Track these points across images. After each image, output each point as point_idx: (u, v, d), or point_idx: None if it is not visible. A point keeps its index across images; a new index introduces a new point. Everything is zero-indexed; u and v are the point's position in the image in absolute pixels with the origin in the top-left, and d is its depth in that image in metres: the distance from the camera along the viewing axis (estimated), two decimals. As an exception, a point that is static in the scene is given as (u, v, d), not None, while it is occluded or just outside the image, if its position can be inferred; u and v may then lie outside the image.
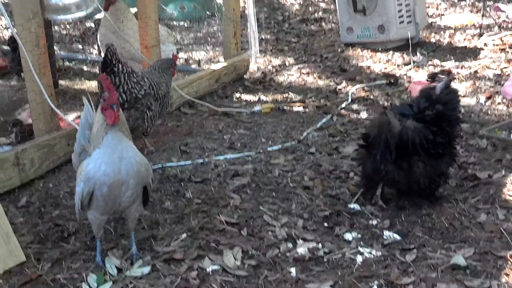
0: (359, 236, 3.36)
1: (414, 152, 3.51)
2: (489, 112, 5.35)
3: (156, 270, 2.98)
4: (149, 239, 3.25)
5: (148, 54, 5.20)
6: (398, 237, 3.33)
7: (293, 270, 3.01)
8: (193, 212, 3.54)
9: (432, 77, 3.85)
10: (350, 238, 3.34)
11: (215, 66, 6.19)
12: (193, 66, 6.94)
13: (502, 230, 3.36)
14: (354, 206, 3.69)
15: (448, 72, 3.84)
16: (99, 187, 2.73)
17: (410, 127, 3.51)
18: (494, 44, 7.55)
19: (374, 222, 3.52)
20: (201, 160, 4.25)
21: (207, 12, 8.41)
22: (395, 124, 3.50)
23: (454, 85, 3.86)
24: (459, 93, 3.83)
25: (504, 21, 8.46)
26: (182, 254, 3.10)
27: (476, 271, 3.00)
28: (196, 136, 4.75)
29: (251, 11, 6.92)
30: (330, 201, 3.75)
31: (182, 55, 7.51)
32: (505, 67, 6.59)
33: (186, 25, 8.95)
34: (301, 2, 10.86)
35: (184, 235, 3.29)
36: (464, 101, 5.64)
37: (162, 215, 3.51)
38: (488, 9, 7.93)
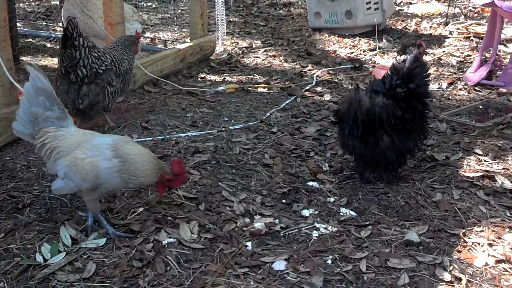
0: (316, 212, 3.38)
1: (380, 128, 3.59)
2: (450, 97, 5.43)
3: (111, 242, 2.96)
4: (106, 211, 3.22)
5: (112, 31, 5.13)
6: (354, 214, 3.37)
7: (249, 244, 3.02)
8: (151, 187, 3.51)
9: (403, 49, 3.90)
10: (307, 214, 3.36)
11: (181, 46, 6.15)
12: (159, 46, 6.88)
13: (456, 209, 3.43)
14: (312, 184, 3.71)
15: (419, 45, 3.86)
16: (109, 189, 3.01)
17: (379, 103, 3.59)
18: (459, 33, 7.65)
19: (332, 199, 3.55)
20: (162, 137, 4.23)
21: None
22: (364, 101, 3.57)
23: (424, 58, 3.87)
24: (428, 66, 3.84)
25: (470, 10, 8.59)
26: (138, 227, 3.08)
27: (429, 247, 3.05)
28: (159, 114, 4.72)
29: (218, -8, 6.89)
30: (289, 178, 3.77)
31: (148, 34, 7.44)
32: (468, 55, 6.70)
33: (154, 5, 8.87)
34: (271, -13, 10.85)
35: (141, 209, 3.27)
36: (426, 87, 5.71)
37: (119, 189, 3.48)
38: (454, -2, 8.02)
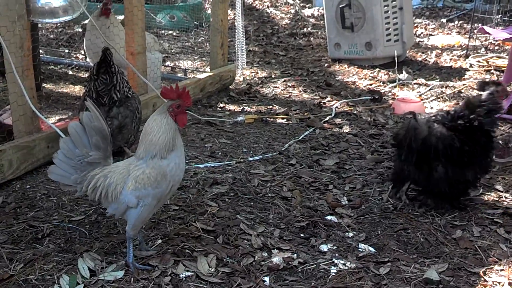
0: (335, 247, 3.36)
1: (435, 158, 3.67)
2: (470, 131, 5.39)
3: (129, 275, 2.96)
4: (124, 243, 3.23)
5: (133, 60, 5.20)
6: (373, 250, 3.34)
7: (266, 279, 3.00)
8: (170, 219, 3.52)
9: (482, 86, 3.90)
10: (326, 249, 3.34)
11: (201, 75, 6.20)
12: (179, 75, 6.94)
13: (476, 247, 3.38)
14: (331, 218, 3.69)
15: (498, 84, 3.87)
16: (176, 182, 2.98)
17: (436, 134, 3.66)
18: (479, 66, 7.64)
19: (350, 234, 3.52)
20: (181, 167, 4.24)
21: (195, 22, 8.44)
22: (422, 129, 3.68)
23: (500, 100, 3.86)
24: (500, 103, 3.82)
25: (490, 43, 8.58)
26: (156, 259, 3.08)
27: (449, 286, 3.01)
28: (178, 144, 4.74)
29: (239, 23, 6.95)
30: (307, 212, 3.75)
31: (168, 63, 7.52)
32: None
33: (174, 34, 8.98)
34: (291, 17, 10.95)
35: (159, 241, 3.27)
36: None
37: (138, 220, 3.49)
38: (475, 31, 8.01)
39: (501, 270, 3.16)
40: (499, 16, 9.88)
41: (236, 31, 7.01)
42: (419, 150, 3.68)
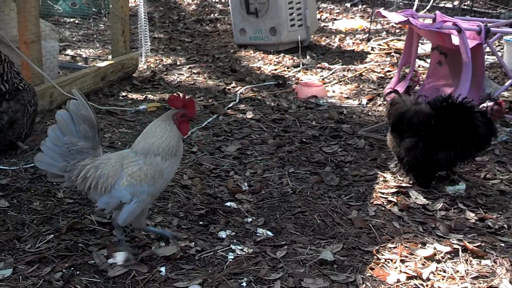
0: (233, 233, 3.36)
1: (407, 130, 3.96)
2: (369, 113, 5.54)
3: (18, 272, 2.84)
4: (13, 240, 3.10)
5: (27, 50, 4.97)
6: (271, 234, 3.36)
7: (163, 269, 2.96)
8: (63, 213, 3.41)
9: (485, 99, 4.02)
10: (224, 236, 3.33)
11: (101, 64, 6.03)
12: (80, 63, 6.73)
13: (371, 226, 3.47)
14: (231, 204, 3.69)
15: (498, 103, 3.95)
16: (169, 180, 3.05)
17: (415, 109, 3.91)
18: (380, 49, 7.84)
19: (249, 219, 3.53)
20: (77, 159, 4.11)
21: (93, 9, 8.19)
22: (403, 104, 3.99)
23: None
24: (494, 125, 3.97)
25: (392, 26, 8.82)
26: (47, 255, 2.97)
27: (343, 265, 3.07)
28: (76, 135, 4.60)
29: (141, 9, 6.80)
30: (207, 199, 3.73)
31: (69, 52, 7.28)
32: (389, 71, 6.86)
33: (77, 21, 8.69)
34: (198, 3, 10.86)
35: (51, 236, 3.16)
36: (347, 103, 5.82)
37: (29, 216, 3.35)
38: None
39: (394, 247, 3.26)
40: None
41: (139, 17, 6.85)
42: (394, 122, 3.96)
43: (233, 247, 3.19)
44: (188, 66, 6.99)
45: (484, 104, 3.94)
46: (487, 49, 5.96)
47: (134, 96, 5.83)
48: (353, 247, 3.26)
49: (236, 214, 3.59)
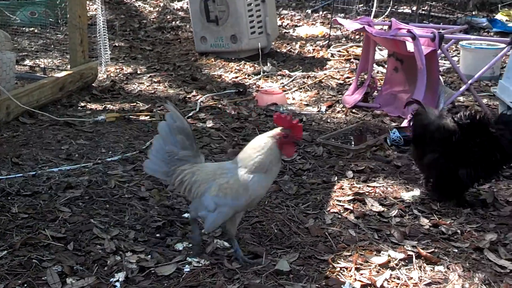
0: (190, 245, 3.35)
1: (430, 144, 3.90)
2: (328, 120, 5.60)
3: (-29, 291, 2.81)
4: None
5: (-19, 61, 4.91)
6: (228, 245, 3.37)
7: (118, 284, 2.94)
8: (17, 228, 3.37)
9: None
10: (181, 248, 3.33)
11: (59, 74, 5.97)
12: (39, 74, 6.64)
13: (327, 234, 3.51)
14: (188, 215, 3.68)
15: None
16: (257, 197, 3.09)
17: (439, 123, 3.85)
18: (340, 55, 7.93)
19: (206, 231, 3.53)
20: (33, 173, 4.07)
21: (50, 19, 8.09)
22: (426, 116, 3.92)
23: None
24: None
25: (352, 32, 8.92)
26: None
27: (299, 275, 3.09)
28: (32, 147, 4.55)
29: (100, 18, 6.76)
30: (165, 211, 3.72)
31: (28, 62, 7.19)
32: (348, 77, 6.94)
33: (36, 31, 8.58)
34: (159, 10, 10.83)
35: (4, 252, 3.12)
36: (306, 110, 5.87)
37: (-19, 232, 3.31)
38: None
39: (349, 255, 3.30)
40: (361, 5, 10.34)
41: (97, 26, 6.80)
42: (417, 134, 3.92)
43: (189, 259, 3.19)
44: (148, 75, 6.97)
45: None
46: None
47: (93, 106, 5.79)
48: (309, 256, 3.28)
49: (194, 226, 3.58)
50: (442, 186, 3.92)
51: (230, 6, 7.53)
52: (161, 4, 11.25)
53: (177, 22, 9.94)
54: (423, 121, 3.91)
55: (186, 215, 3.69)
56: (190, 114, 5.59)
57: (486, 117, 3.85)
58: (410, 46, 5.30)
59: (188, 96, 6.24)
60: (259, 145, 2.97)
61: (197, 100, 6.06)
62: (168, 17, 10.36)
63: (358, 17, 6.80)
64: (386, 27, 6.84)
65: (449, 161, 3.81)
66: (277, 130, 2.99)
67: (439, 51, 5.35)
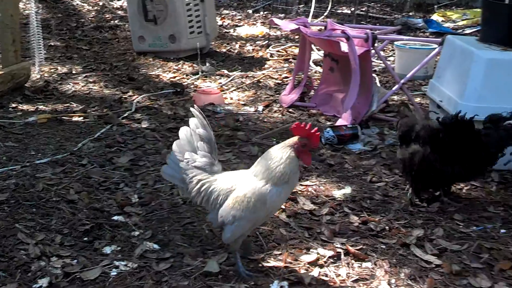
0: (119, 248, 3.30)
1: (415, 139, 3.95)
2: (265, 120, 5.61)
3: None
4: None
5: None
6: (157, 247, 3.33)
7: (42, 289, 2.88)
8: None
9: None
10: (109, 252, 3.27)
11: (-11, 75, 5.79)
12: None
13: (258, 233, 3.51)
14: (118, 218, 3.63)
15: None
16: (275, 209, 3.12)
17: (423, 123, 3.95)
18: (279, 55, 7.97)
19: (136, 233, 3.49)
20: (-44, 177, 3.94)
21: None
22: (412, 118, 4.02)
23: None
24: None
25: (291, 33, 8.96)
26: None
27: (228, 275, 3.09)
28: (-42, 152, 4.40)
29: (33, 17, 6.58)
30: (94, 214, 3.65)
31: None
32: (286, 77, 6.96)
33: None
34: (98, 9, 10.64)
35: None
36: (243, 110, 5.87)
37: None
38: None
39: (279, 254, 3.31)
40: (301, 6, 10.42)
41: (31, 25, 6.62)
42: (402, 135, 3.96)
43: (116, 263, 3.14)
44: (84, 75, 6.83)
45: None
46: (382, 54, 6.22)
47: (25, 107, 5.64)
48: (241, 256, 3.27)
49: (123, 228, 3.54)
50: (422, 181, 3.95)
51: (169, 6, 7.46)
52: (100, 3, 11.05)
53: (116, 21, 9.78)
54: (409, 122, 3.97)
55: (116, 217, 3.64)
56: (125, 115, 5.51)
57: (471, 117, 3.90)
58: (345, 47, 5.37)
59: (124, 96, 6.15)
60: (278, 156, 2.92)
61: (133, 100, 5.97)
62: (107, 16, 10.18)
63: (295, 18, 6.84)
64: (322, 28, 6.89)
65: (434, 154, 3.85)
66: (295, 139, 2.95)
67: (372, 52, 5.44)
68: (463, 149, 3.84)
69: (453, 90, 4.64)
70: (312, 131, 2.95)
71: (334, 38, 5.35)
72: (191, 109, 3.13)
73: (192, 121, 3.06)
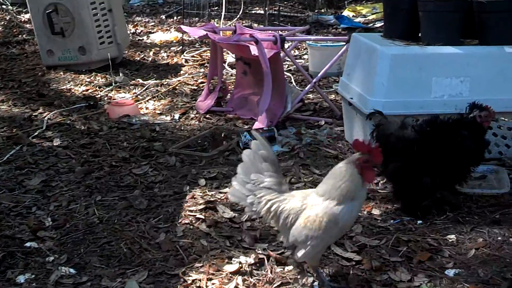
0: (33, 276, 3.17)
1: (392, 154, 3.77)
2: (182, 128, 5.55)
3: None
4: None
5: None
6: (73, 271, 3.22)
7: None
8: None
9: (471, 108, 3.86)
10: (23, 281, 3.13)
11: None
12: None
13: (178, 247, 3.45)
14: (31, 244, 3.48)
15: (485, 108, 3.81)
16: (348, 227, 3.12)
17: (399, 133, 3.83)
18: (194, 60, 7.92)
19: (51, 258, 3.35)
20: None
21: None
22: (388, 127, 3.91)
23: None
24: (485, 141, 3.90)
25: (200, 38, 8.90)
26: None
27: (148, 294, 3.02)
28: None
29: None
30: (5, 242, 3.49)
31: None
32: (202, 82, 6.92)
33: None
34: (5, 24, 10.27)
35: None
36: (160, 119, 5.79)
37: None
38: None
39: (201, 266, 3.27)
40: (215, 8, 10.39)
41: None
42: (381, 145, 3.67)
43: (37, 292, 3.01)
44: (-10, 95, 6.55)
45: (472, 115, 3.85)
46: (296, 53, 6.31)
47: None
48: (160, 272, 3.22)
49: (37, 254, 3.39)
50: (406, 195, 3.90)
51: (75, 17, 7.26)
52: (8, 18, 10.65)
53: (24, 36, 9.45)
54: (385, 131, 3.89)
55: (28, 244, 3.49)
56: (36, 134, 5.32)
57: (446, 122, 3.87)
58: (254, 50, 5.37)
59: (34, 114, 5.93)
60: (341, 173, 2.91)
61: (44, 117, 5.77)
62: (14, 30, 9.83)
63: (206, 23, 6.81)
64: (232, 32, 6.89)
65: (412, 170, 3.78)
66: (356, 155, 2.93)
67: (282, 54, 5.48)
68: (444, 155, 3.78)
69: (362, 87, 4.73)
70: (373, 147, 2.99)
71: (242, 42, 5.35)
72: (252, 131, 3.29)
73: (254, 143, 3.05)
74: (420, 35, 4.83)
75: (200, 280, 3.14)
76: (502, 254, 3.35)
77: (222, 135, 5.10)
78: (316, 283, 3.11)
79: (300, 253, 2.99)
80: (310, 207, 2.95)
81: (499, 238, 3.53)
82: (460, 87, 4.54)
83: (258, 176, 3.04)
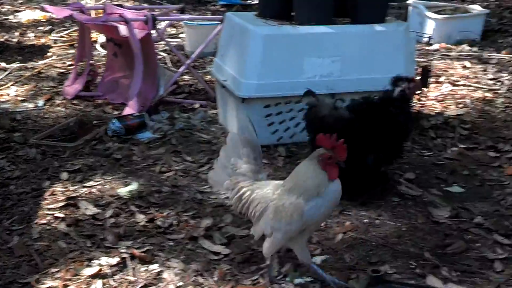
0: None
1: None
2: (46, 116, 5.16)
3: None
4: None
5: None
6: None
7: None
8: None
9: (395, 82, 3.71)
10: None
11: None
12: None
13: (32, 251, 3.17)
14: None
15: (411, 80, 3.70)
16: (314, 224, 2.88)
17: (334, 114, 3.63)
18: (64, 41, 7.45)
19: None
20: None
21: None
22: (322, 109, 3.68)
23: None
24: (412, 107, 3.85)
25: (65, 18, 8.40)
26: None
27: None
28: None
29: None
30: None
31: None
32: (71, 65, 6.49)
33: None
34: None
35: None
36: (22, 107, 5.37)
37: None
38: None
39: (57, 271, 3.01)
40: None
41: None
42: (314, 128, 3.56)
43: None
44: None
45: (399, 88, 3.72)
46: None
47: None
48: (11, 281, 2.94)
49: None
50: (351, 176, 3.72)
51: None
52: None
53: None
54: (318, 114, 3.68)
55: None
56: None
57: (379, 99, 3.80)
58: (123, 31, 5.06)
59: None
60: (304, 169, 2.81)
61: None
62: None
63: (72, 3, 6.37)
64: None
65: (354, 149, 3.63)
66: (320, 150, 2.78)
67: (154, 34, 5.21)
68: (381, 133, 3.69)
69: (235, 68, 4.58)
70: (338, 142, 2.80)
71: (111, 23, 5.03)
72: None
73: (239, 128, 3.05)
74: (293, 14, 4.73)
75: (55, 287, 2.89)
76: (369, 237, 3.35)
77: (89, 123, 4.79)
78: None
79: (265, 248, 2.88)
80: (279, 198, 2.84)
81: (366, 220, 3.52)
82: (331, 67, 4.50)
83: (236, 160, 2.97)
